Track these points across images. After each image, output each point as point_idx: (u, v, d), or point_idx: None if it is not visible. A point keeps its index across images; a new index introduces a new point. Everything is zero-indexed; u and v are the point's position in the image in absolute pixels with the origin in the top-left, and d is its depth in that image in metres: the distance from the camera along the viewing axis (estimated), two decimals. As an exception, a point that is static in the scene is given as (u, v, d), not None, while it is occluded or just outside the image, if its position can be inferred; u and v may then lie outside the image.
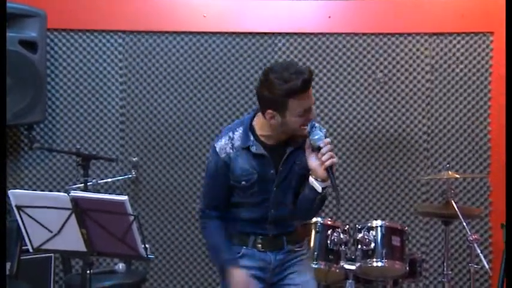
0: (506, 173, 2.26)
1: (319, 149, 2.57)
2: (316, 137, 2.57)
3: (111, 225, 2.72)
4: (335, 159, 2.54)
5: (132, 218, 2.69)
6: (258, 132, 2.68)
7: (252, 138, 2.67)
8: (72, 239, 2.78)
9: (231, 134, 2.71)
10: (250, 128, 2.70)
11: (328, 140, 2.57)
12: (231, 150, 2.68)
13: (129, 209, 2.68)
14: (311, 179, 2.60)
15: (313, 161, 2.59)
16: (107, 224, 2.72)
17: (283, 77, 2.49)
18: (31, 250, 2.84)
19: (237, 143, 2.68)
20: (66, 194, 2.71)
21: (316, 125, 2.68)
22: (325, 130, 2.69)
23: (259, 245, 2.78)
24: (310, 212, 2.75)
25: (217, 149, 2.70)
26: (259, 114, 2.67)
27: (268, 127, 2.65)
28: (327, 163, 2.53)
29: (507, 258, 2.21)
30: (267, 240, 2.78)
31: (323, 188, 2.58)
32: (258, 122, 2.70)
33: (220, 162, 2.70)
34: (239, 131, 2.70)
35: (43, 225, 2.76)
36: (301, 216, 2.84)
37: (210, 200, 2.81)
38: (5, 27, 3.71)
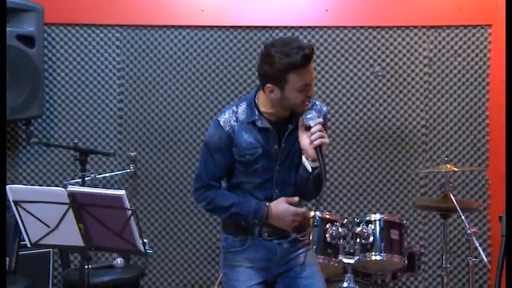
0: (506, 165, 2.26)
1: (310, 128, 2.58)
2: (309, 116, 2.58)
3: (109, 220, 2.72)
4: (325, 140, 2.55)
5: (129, 212, 2.69)
6: (261, 109, 2.67)
7: (257, 112, 2.67)
8: (69, 234, 2.77)
9: (234, 108, 2.70)
10: (254, 104, 2.69)
11: (320, 120, 2.58)
12: (235, 123, 2.67)
13: (127, 204, 2.67)
14: (303, 158, 2.62)
15: (304, 140, 2.60)
16: (104, 218, 2.72)
17: (283, 51, 2.49)
18: (29, 245, 2.83)
19: (242, 116, 2.67)
20: (63, 189, 2.70)
21: (317, 103, 2.71)
22: (326, 109, 2.72)
23: (266, 233, 2.74)
24: (307, 192, 2.72)
25: (221, 123, 2.68)
26: (261, 91, 2.68)
27: (270, 104, 2.65)
28: (316, 143, 2.54)
29: (507, 250, 2.21)
30: (272, 227, 2.73)
31: (313, 168, 2.58)
32: (261, 99, 2.69)
33: (224, 136, 2.67)
34: (243, 106, 2.70)
35: (41, 220, 2.76)
36: (301, 196, 2.79)
37: (213, 174, 2.74)
38: (5, 22, 3.70)
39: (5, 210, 2.75)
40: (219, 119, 2.70)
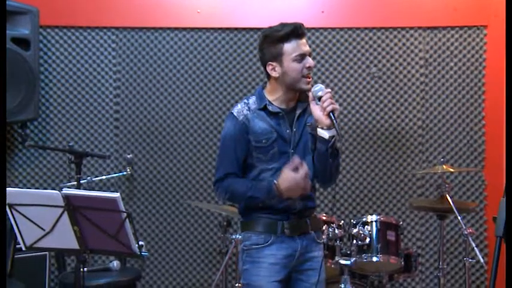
0: (506, 165, 2.26)
1: (320, 99, 2.72)
2: (317, 88, 2.74)
3: (104, 222, 2.72)
4: (336, 106, 2.71)
5: (124, 215, 2.68)
6: (269, 98, 2.86)
7: (266, 99, 2.85)
8: (64, 237, 2.77)
9: (246, 100, 2.90)
10: (263, 95, 2.88)
11: (328, 90, 2.73)
12: (248, 112, 2.84)
13: (122, 206, 2.67)
14: (318, 130, 2.75)
15: (317, 111, 2.74)
16: (99, 221, 2.72)
17: (276, 28, 2.79)
18: (24, 248, 2.83)
19: (253, 106, 2.85)
20: (58, 192, 2.70)
21: (319, 84, 2.84)
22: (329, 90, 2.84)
23: (287, 230, 2.83)
24: (327, 172, 2.83)
25: (235, 114, 2.85)
26: (266, 84, 2.90)
27: (276, 90, 2.84)
28: (328, 108, 2.69)
29: (507, 251, 2.22)
30: (294, 223, 2.84)
31: (331, 137, 2.72)
32: (267, 90, 2.89)
33: (239, 125, 2.83)
34: (253, 97, 2.89)
35: (36, 223, 2.76)
36: (321, 178, 2.90)
37: (229, 164, 2.85)
38: (5, 24, 3.70)
39: (5, 212, 2.73)
40: (232, 111, 2.87)
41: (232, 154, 2.85)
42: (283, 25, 2.78)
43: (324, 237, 3.78)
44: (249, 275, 2.86)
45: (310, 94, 2.77)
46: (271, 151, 2.83)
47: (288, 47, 2.76)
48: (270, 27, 2.83)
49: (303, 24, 2.80)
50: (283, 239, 2.83)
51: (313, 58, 4.52)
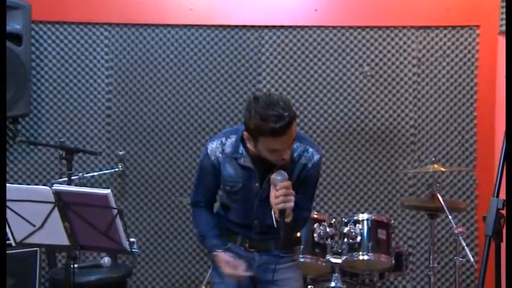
0: (506, 165, 2.27)
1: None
2: (279, 177, 2.55)
3: (95, 218, 2.71)
4: (288, 204, 2.51)
5: (115, 211, 2.68)
6: (248, 145, 2.66)
7: (241, 149, 2.69)
8: (55, 233, 2.77)
9: (223, 139, 2.74)
10: (242, 139, 2.68)
11: (284, 184, 2.53)
12: (220, 155, 2.72)
13: (113, 203, 2.67)
14: (272, 212, 2.59)
15: (272, 197, 2.57)
16: (90, 217, 2.71)
17: (261, 114, 2.45)
18: (13, 244, 2.83)
19: (228, 149, 2.71)
20: (48, 188, 2.70)
21: (310, 150, 2.69)
22: (318, 157, 2.70)
23: (247, 245, 2.81)
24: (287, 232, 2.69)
25: (209, 151, 2.75)
26: None
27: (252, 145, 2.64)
28: (277, 207, 2.52)
29: (507, 250, 2.23)
30: (254, 241, 2.80)
31: (278, 225, 2.55)
32: (247, 136, 2.67)
33: (209, 163, 2.75)
34: (232, 139, 2.72)
35: (26, 219, 2.75)
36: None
37: (200, 193, 2.88)
38: (5, 23, 3.68)
39: (5, 210, 2.72)
40: (208, 146, 2.76)
41: (203, 184, 2.85)
42: (270, 113, 2.43)
43: (315, 235, 3.80)
44: (212, 277, 2.90)
45: (271, 179, 2.58)
46: (234, 197, 2.76)
47: (264, 140, 2.50)
48: (262, 99, 2.48)
49: (291, 118, 2.46)
50: (240, 250, 2.81)
51: (306, 57, 4.61)
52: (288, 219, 2.55)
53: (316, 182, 2.82)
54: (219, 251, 2.76)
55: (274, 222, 2.58)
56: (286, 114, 2.45)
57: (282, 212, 2.52)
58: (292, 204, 2.53)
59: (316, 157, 2.71)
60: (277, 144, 2.51)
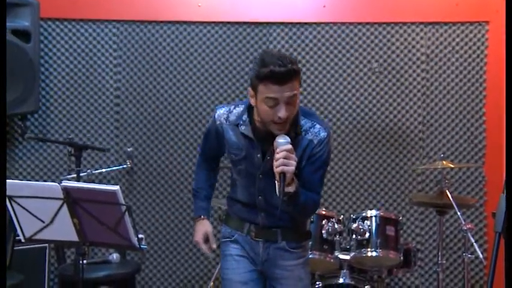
0: (506, 164, 2.27)
1: None
2: (280, 140, 2.49)
3: (103, 215, 2.72)
4: (288, 168, 2.43)
5: (124, 208, 2.68)
6: (255, 115, 2.63)
7: (245, 117, 2.66)
8: (64, 229, 2.77)
9: (232, 107, 2.75)
10: (249, 109, 2.65)
11: (285, 147, 2.46)
12: (224, 121, 2.74)
13: (121, 199, 2.67)
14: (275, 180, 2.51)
15: (274, 162, 2.49)
16: (98, 214, 2.72)
17: (266, 60, 2.45)
18: (23, 240, 2.83)
19: (232, 117, 2.71)
20: (57, 184, 2.70)
21: (317, 126, 2.63)
22: (325, 134, 2.62)
23: (253, 233, 2.78)
24: (292, 215, 2.70)
25: (216, 115, 2.77)
26: None
27: (257, 113, 2.61)
28: (277, 169, 2.44)
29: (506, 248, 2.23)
30: (260, 228, 2.77)
31: (279, 191, 2.47)
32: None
33: (214, 128, 2.79)
34: (240, 108, 2.71)
35: (35, 215, 2.76)
36: (292, 214, 2.72)
37: (204, 154, 3.00)
38: (5, 19, 3.68)
39: (5, 207, 2.73)
40: (216, 110, 2.79)
41: (207, 147, 2.94)
42: (274, 59, 2.44)
43: (323, 232, 3.79)
44: (222, 268, 2.90)
45: (274, 143, 2.51)
46: (238, 167, 2.73)
47: (262, 88, 2.46)
48: (271, 50, 2.59)
49: (295, 71, 2.47)
50: (247, 239, 2.80)
51: (314, 53, 4.60)
52: (289, 189, 2.47)
53: (324, 163, 2.69)
54: (203, 217, 2.93)
55: (277, 192, 2.47)
56: (289, 64, 2.44)
57: (283, 177, 2.43)
58: (293, 168, 2.44)
59: (323, 134, 2.63)
60: (276, 92, 2.44)
